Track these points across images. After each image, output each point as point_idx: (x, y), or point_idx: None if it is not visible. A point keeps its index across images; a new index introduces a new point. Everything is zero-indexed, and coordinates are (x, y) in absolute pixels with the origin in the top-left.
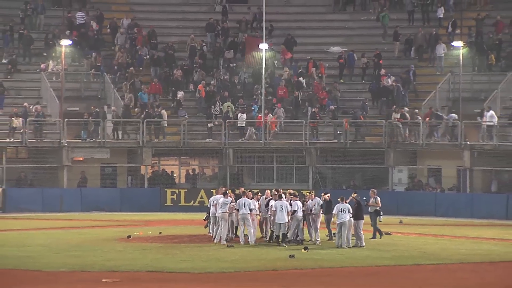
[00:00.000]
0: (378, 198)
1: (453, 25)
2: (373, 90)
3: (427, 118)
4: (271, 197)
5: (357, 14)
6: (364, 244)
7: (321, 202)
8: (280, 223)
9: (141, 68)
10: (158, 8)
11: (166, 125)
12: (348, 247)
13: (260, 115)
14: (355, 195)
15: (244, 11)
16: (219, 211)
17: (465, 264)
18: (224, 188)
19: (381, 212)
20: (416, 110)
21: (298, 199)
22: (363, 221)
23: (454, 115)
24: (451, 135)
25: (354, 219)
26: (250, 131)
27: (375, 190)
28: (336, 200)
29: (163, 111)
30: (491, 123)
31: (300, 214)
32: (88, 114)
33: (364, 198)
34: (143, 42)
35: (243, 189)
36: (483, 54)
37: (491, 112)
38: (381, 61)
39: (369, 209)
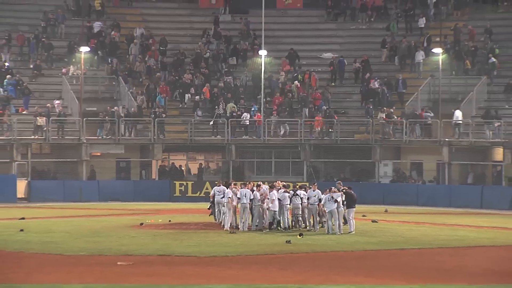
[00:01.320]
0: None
1: (428, 40)
2: (362, 92)
3: (398, 117)
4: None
5: (347, 24)
6: (353, 230)
7: (321, 195)
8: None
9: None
10: (168, 18)
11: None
12: (340, 233)
13: (259, 114)
14: (347, 188)
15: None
16: (224, 201)
17: (444, 248)
18: (232, 181)
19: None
20: (391, 110)
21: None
22: (353, 209)
23: (430, 114)
24: (428, 132)
25: (346, 207)
26: (285, 128)
27: (340, 182)
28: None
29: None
30: (459, 121)
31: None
32: (104, 113)
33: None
34: (152, 53)
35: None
36: (460, 59)
37: (458, 111)
38: (361, 66)
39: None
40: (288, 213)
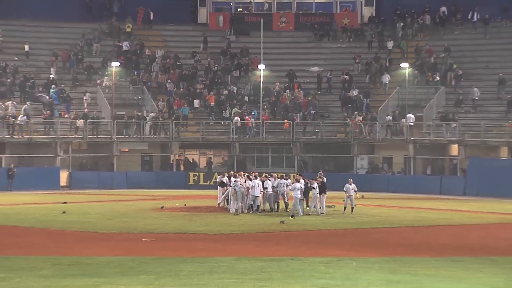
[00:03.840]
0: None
1: (389, 61)
2: (342, 99)
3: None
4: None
5: (330, 43)
6: (324, 212)
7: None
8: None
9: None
10: (183, 38)
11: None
12: (322, 214)
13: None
14: (320, 178)
15: (247, 40)
16: (230, 189)
17: (409, 227)
18: (233, 172)
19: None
20: (360, 114)
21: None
22: (325, 195)
23: (389, 117)
24: (390, 131)
25: (319, 194)
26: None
27: (321, 173)
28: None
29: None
30: (411, 123)
31: (270, 190)
32: (130, 117)
33: (311, 179)
34: (172, 76)
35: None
36: (423, 72)
37: (410, 115)
38: (348, 78)
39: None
40: (280, 198)
